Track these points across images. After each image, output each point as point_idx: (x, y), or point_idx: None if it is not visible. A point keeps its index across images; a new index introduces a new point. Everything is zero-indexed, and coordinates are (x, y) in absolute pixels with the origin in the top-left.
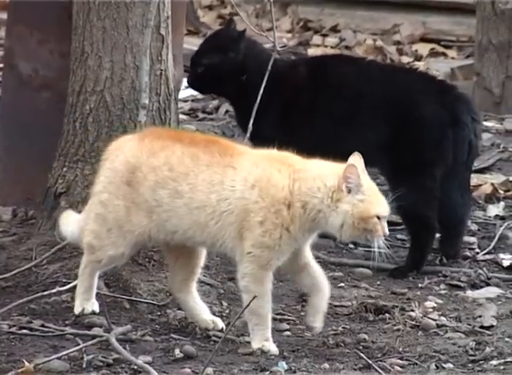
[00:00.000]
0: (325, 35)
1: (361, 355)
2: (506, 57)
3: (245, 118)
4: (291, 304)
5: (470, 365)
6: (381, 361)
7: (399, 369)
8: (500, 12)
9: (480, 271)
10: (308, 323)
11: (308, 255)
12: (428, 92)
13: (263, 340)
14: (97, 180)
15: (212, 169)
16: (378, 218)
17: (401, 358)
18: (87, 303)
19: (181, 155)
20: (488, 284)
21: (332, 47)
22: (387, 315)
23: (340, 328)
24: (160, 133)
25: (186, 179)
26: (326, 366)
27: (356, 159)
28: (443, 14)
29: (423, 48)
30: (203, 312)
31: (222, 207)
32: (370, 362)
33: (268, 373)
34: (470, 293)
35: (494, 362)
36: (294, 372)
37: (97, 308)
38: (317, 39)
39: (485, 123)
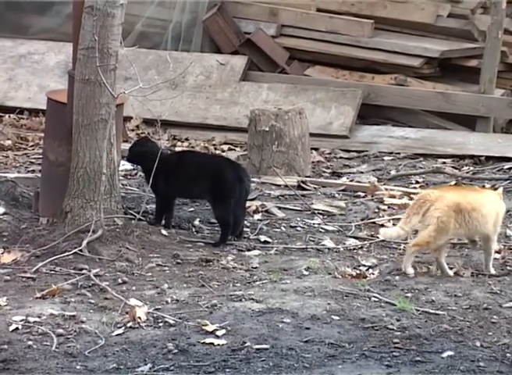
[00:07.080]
0: None
1: None
2: None
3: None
4: None
5: None
6: None
7: None
8: None
9: (245, 243)
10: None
11: None
12: (229, 166)
13: None
14: (426, 213)
15: (486, 199)
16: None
17: None
18: (409, 269)
19: (474, 194)
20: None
21: None
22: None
23: None
24: (453, 187)
25: (482, 206)
26: None
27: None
28: None
29: None
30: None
31: (493, 214)
32: None
33: None
34: (247, 253)
35: None
36: None
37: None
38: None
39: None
